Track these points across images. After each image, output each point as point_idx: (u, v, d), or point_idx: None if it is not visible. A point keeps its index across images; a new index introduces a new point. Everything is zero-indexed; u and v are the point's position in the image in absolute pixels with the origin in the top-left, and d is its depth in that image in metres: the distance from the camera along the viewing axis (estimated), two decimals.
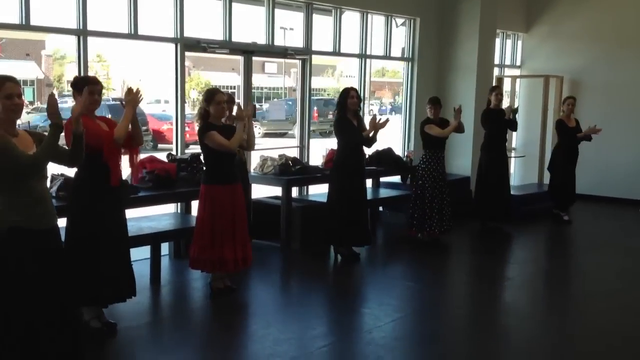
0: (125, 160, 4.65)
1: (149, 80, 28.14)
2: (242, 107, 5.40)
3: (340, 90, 6.57)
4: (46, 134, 3.53)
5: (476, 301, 5.75)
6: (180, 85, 6.64)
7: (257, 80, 43.25)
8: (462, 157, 9.01)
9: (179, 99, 6.65)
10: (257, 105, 32.56)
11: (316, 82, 34.04)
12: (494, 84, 9.18)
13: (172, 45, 6.61)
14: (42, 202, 3.39)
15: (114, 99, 23.59)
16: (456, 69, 9.17)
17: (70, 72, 37.48)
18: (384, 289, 5.94)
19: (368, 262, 6.75)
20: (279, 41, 7.59)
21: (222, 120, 5.38)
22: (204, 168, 5.40)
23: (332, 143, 8.62)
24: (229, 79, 38.31)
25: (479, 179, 8.01)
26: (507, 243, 7.94)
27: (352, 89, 6.53)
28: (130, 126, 4.44)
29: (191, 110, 28.38)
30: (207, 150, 5.23)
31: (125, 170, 4.98)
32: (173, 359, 4.30)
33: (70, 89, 4.53)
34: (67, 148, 3.64)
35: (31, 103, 30.53)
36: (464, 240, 7.86)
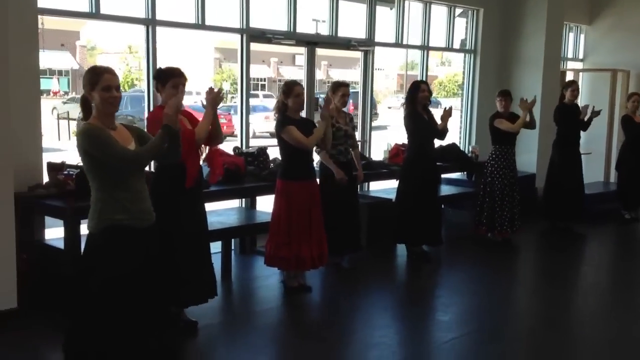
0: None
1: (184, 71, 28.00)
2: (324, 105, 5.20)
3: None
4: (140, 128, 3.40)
5: (553, 307, 5.40)
6: (245, 77, 6.44)
7: (287, 72, 43.06)
8: (527, 154, 8.64)
9: (244, 90, 6.46)
10: None
11: (344, 74, 33.75)
12: (567, 79, 8.82)
13: (237, 36, 6.42)
14: (141, 199, 3.23)
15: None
16: (521, 62, 8.83)
17: (102, 63, 37.76)
18: (461, 293, 5.69)
19: (439, 262, 6.48)
20: (342, 32, 7.34)
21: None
22: (281, 163, 5.21)
23: (394, 137, 8.40)
24: (259, 71, 38.24)
25: (550, 177, 7.68)
26: (579, 244, 7.61)
27: (422, 82, 6.33)
28: (210, 125, 4.27)
29: (223, 103, 28.44)
30: (284, 144, 5.05)
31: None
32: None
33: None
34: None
35: (66, 93, 30.83)
36: (533, 240, 7.55)
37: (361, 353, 4.29)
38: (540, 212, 7.88)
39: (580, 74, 10.44)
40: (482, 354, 4.34)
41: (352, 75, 37.19)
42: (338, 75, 38.52)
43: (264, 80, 37.31)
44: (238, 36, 6.40)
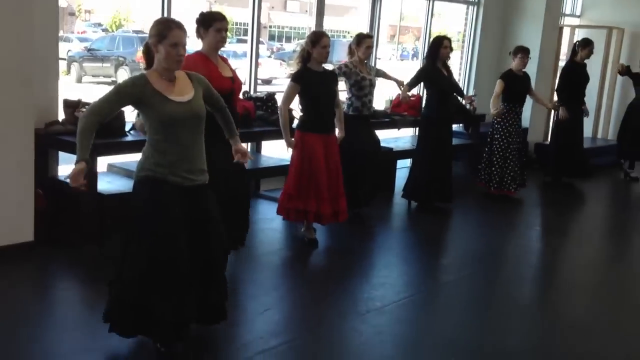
0: None
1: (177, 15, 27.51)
2: None
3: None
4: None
5: (548, 254, 5.81)
6: (257, 22, 6.50)
7: (278, 18, 42.38)
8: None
9: (254, 35, 6.51)
10: (279, 45, 31.86)
11: (335, 23, 33.18)
12: (563, 35, 8.87)
13: None
14: (190, 158, 3.17)
15: (134, 31, 23.30)
16: (522, 15, 8.93)
17: (90, 0, 36.86)
18: (460, 240, 6.00)
19: (440, 211, 6.60)
20: None
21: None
22: (300, 114, 5.21)
23: (395, 88, 8.48)
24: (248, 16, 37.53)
25: (556, 134, 7.88)
26: (580, 199, 7.98)
27: (445, 37, 6.26)
28: None
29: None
30: (303, 95, 5.03)
31: None
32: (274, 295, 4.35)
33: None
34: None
35: None
36: (533, 193, 7.74)
37: (366, 291, 4.52)
38: (534, 167, 8.10)
39: (577, 30, 10.53)
40: (479, 295, 4.65)
41: (345, 24, 36.70)
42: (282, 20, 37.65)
43: (247, 24, 36.56)
44: None
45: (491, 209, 6.93)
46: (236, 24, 34.42)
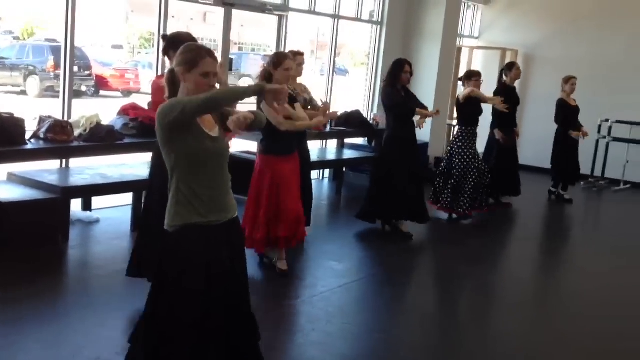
0: None
1: (89, 24, 26.86)
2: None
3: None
4: None
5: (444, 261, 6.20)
6: (162, 31, 6.60)
7: (198, 30, 42.20)
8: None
9: (160, 46, 6.62)
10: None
11: (247, 36, 33.11)
12: (462, 55, 9.33)
13: None
14: (223, 194, 2.89)
15: (46, 40, 22.64)
16: (422, 35, 9.41)
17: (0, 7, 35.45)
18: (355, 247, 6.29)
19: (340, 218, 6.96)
20: None
21: None
22: (261, 137, 4.97)
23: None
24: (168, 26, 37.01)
25: (492, 157, 7.97)
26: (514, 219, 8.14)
27: (406, 62, 6.15)
28: None
29: (131, 58, 27.34)
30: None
31: None
32: None
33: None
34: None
35: None
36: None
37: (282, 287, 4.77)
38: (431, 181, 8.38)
39: (475, 51, 11.24)
40: (371, 296, 4.97)
41: (265, 38, 36.79)
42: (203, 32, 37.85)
43: None
44: None
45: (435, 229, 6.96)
46: (153, 34, 33.81)
